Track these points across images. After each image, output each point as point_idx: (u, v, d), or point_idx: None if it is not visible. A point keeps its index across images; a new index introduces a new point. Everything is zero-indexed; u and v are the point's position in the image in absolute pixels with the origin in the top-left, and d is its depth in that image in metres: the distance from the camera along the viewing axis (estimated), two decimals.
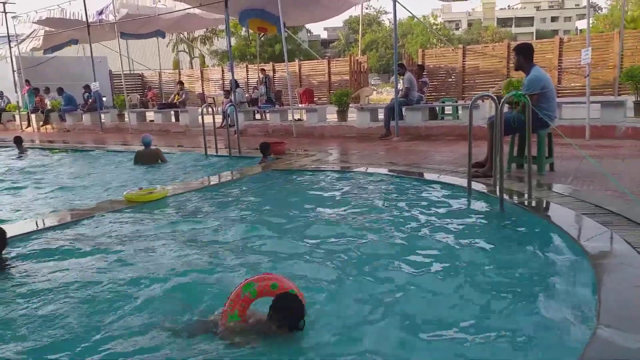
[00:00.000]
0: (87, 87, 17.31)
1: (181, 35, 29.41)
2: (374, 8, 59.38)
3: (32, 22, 17.30)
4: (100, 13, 15.87)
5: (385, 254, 3.61)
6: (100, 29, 15.81)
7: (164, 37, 19.72)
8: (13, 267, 3.62)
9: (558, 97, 14.34)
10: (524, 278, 3.18)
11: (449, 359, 2.35)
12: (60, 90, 17.96)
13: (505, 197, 4.63)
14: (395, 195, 5.47)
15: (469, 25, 74.53)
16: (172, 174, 7.83)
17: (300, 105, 14.83)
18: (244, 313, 2.47)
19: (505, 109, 5.77)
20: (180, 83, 17.83)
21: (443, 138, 9.69)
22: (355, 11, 22.59)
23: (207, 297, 3.01)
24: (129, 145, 11.61)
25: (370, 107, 12.13)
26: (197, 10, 14.71)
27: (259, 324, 2.45)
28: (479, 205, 4.81)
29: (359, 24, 24.40)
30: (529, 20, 78.37)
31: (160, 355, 2.39)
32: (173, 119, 15.75)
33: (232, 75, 13.37)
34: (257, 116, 14.49)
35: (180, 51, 38.23)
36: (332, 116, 12.48)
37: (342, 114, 11.74)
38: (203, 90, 22.58)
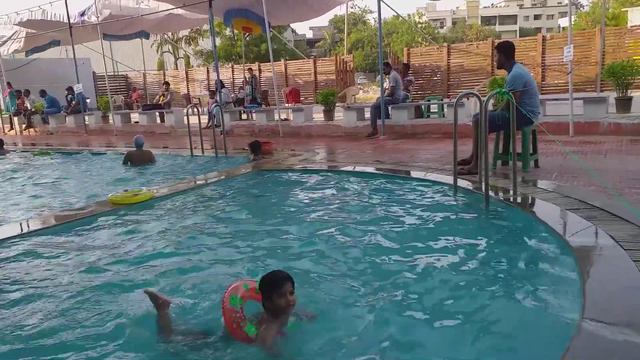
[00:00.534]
0: (70, 89, 17.11)
1: (165, 36, 29.19)
2: (359, 7, 59.50)
3: (13, 24, 17.05)
4: (83, 14, 15.68)
5: (373, 252, 3.62)
6: (82, 30, 15.62)
7: (147, 37, 19.54)
8: None
9: (542, 94, 14.56)
10: (509, 273, 3.21)
11: (433, 355, 2.36)
12: (42, 93, 17.74)
13: (491, 193, 4.67)
14: (383, 193, 5.48)
15: (454, 23, 75.05)
16: (158, 175, 7.77)
17: (286, 104, 14.81)
18: (246, 323, 2.43)
19: (490, 106, 5.83)
20: (166, 84, 17.71)
21: (429, 136, 9.74)
22: (340, 10, 22.57)
23: (195, 299, 2.99)
24: (115, 147, 11.50)
25: (357, 106, 12.16)
26: (180, 11, 14.61)
27: (268, 321, 2.44)
28: (465, 202, 4.84)
29: (344, 23, 24.43)
30: (513, 19, 79.14)
31: None
32: (158, 120, 15.64)
33: (218, 75, 13.33)
34: (244, 116, 14.44)
35: (165, 52, 37.94)
36: (318, 116, 12.48)
37: (329, 113, 11.75)
38: (188, 91, 22.45)
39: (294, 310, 2.52)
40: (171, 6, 14.23)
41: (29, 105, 17.92)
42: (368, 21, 61.75)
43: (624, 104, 8.56)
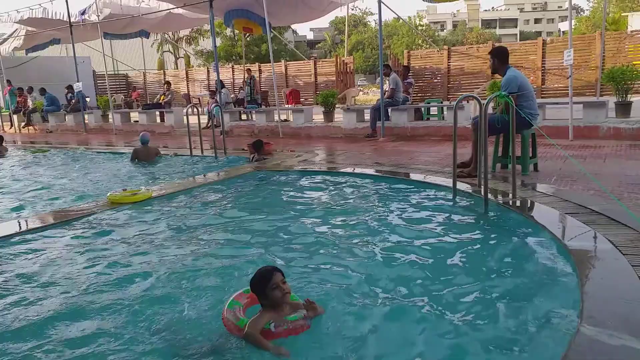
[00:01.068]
0: (70, 88, 17.11)
1: (166, 36, 29.17)
2: (359, 9, 59.51)
3: (14, 22, 17.05)
4: (83, 13, 15.67)
5: (372, 254, 3.62)
6: (83, 29, 15.62)
7: (147, 37, 19.56)
8: None
9: (542, 97, 14.60)
10: (508, 277, 3.21)
11: (430, 357, 2.35)
12: (42, 91, 17.72)
13: (490, 196, 4.67)
14: (382, 195, 5.48)
15: (454, 26, 75.18)
16: (157, 174, 7.76)
17: (286, 105, 14.81)
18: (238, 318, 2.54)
19: (490, 109, 5.83)
20: (167, 83, 17.71)
21: (428, 138, 9.74)
22: (341, 12, 22.61)
23: (192, 299, 2.99)
24: (114, 146, 11.50)
25: (356, 107, 12.16)
26: (181, 10, 14.62)
27: (262, 312, 2.49)
28: (464, 205, 4.84)
29: (345, 25, 24.44)
30: (513, 22, 79.27)
31: None
32: (158, 120, 15.63)
33: (218, 75, 13.33)
34: (243, 117, 14.43)
35: (165, 51, 37.92)
36: (318, 117, 12.48)
37: (329, 114, 11.75)
38: (188, 91, 22.46)
39: (301, 304, 2.59)
40: (172, 5, 14.24)
41: (30, 103, 17.91)
42: (369, 23, 61.81)
43: (624, 108, 8.57)
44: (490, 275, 3.22)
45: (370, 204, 5.08)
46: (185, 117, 9.22)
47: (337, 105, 12.26)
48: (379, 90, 10.91)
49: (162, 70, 27.41)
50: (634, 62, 13.29)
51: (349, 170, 6.84)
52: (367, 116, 10.92)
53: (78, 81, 15.57)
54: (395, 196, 5.38)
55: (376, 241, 3.91)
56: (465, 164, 5.98)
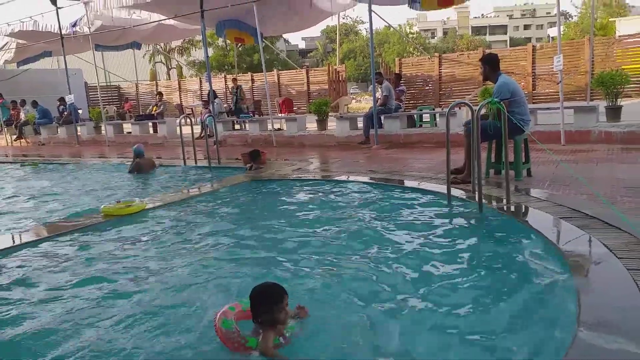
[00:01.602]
0: (62, 100, 17.06)
1: (157, 47, 29.20)
2: (350, 18, 59.85)
3: (4, 35, 16.99)
4: (74, 25, 15.65)
5: (368, 261, 3.61)
6: (74, 41, 15.60)
7: (139, 48, 19.57)
8: None
9: (533, 103, 14.71)
10: (503, 282, 3.20)
11: None
12: (34, 103, 17.66)
13: (484, 202, 4.68)
14: (377, 203, 5.48)
15: (445, 33, 75.74)
16: (150, 185, 7.73)
17: (279, 114, 14.83)
18: (246, 339, 2.43)
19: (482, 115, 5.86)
20: (160, 94, 17.70)
21: (421, 145, 9.78)
22: (332, 21, 22.74)
23: (192, 310, 2.97)
24: (106, 158, 11.45)
25: (350, 115, 12.20)
26: (173, 21, 14.64)
27: (265, 331, 2.42)
28: (459, 211, 4.85)
29: (336, 34, 24.58)
30: (503, 28, 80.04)
31: None
32: (151, 131, 15.59)
33: (210, 85, 13.33)
34: (237, 126, 14.43)
35: (157, 62, 37.95)
36: (311, 125, 12.50)
37: (322, 123, 11.77)
38: (181, 101, 22.45)
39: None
40: (163, 17, 14.26)
41: (23, 116, 17.82)
42: (360, 31, 62.15)
43: (614, 112, 8.64)
44: (485, 280, 3.22)
45: (365, 211, 5.08)
46: (178, 128, 9.21)
47: (330, 114, 12.29)
48: (372, 98, 10.95)
49: (154, 81, 27.42)
50: (623, 67, 13.44)
51: (343, 178, 6.85)
52: (360, 124, 10.95)
53: (70, 93, 15.52)
54: (391, 203, 5.39)
55: (372, 248, 3.91)
56: (458, 170, 6.00)
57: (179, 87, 23.85)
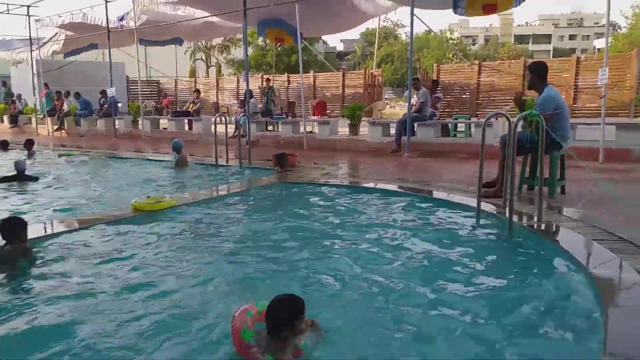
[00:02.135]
0: (103, 93, 17.54)
1: (199, 43, 29.72)
2: (391, 21, 59.45)
3: (55, 27, 17.61)
4: (122, 19, 16.10)
5: (392, 274, 3.56)
6: (120, 35, 16.02)
7: (181, 44, 19.95)
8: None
9: (573, 117, 14.27)
10: (529, 303, 3.11)
11: None
12: (77, 95, 18.21)
13: (515, 218, 4.57)
14: (403, 212, 5.42)
15: (486, 40, 74.45)
16: (181, 182, 7.86)
17: (312, 117, 14.87)
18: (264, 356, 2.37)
19: (519, 128, 5.72)
20: (197, 91, 17.99)
21: (454, 156, 9.63)
22: (372, 24, 22.67)
23: (213, 310, 3.00)
24: (141, 152, 11.71)
25: (383, 121, 12.12)
26: (215, 19, 14.87)
27: (282, 346, 2.36)
28: (488, 226, 4.75)
29: (375, 37, 24.51)
30: (547, 38, 78.07)
31: None
32: (186, 127, 15.87)
33: (247, 85, 13.46)
34: (270, 127, 14.54)
35: (197, 59, 38.61)
36: (343, 129, 12.48)
37: (354, 127, 11.73)
38: (217, 99, 22.77)
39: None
40: (207, 14, 14.49)
41: (66, 107, 18.42)
42: (399, 35, 61.72)
43: None
44: (510, 300, 3.14)
45: (390, 221, 5.03)
46: (213, 126, 9.33)
47: (363, 119, 12.24)
48: (406, 104, 10.84)
49: (193, 78, 27.92)
50: None
51: (370, 185, 6.81)
52: (392, 130, 10.86)
53: (112, 86, 15.95)
54: (417, 214, 5.32)
55: (395, 259, 3.86)
56: (490, 183, 5.87)
57: (217, 85, 24.19)
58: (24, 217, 4.25)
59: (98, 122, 17.41)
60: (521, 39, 77.28)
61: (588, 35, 74.78)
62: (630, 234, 3.98)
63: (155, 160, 10.09)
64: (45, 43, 18.93)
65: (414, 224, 4.90)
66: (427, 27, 34.54)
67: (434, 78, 16.64)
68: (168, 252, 4.16)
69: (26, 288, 3.40)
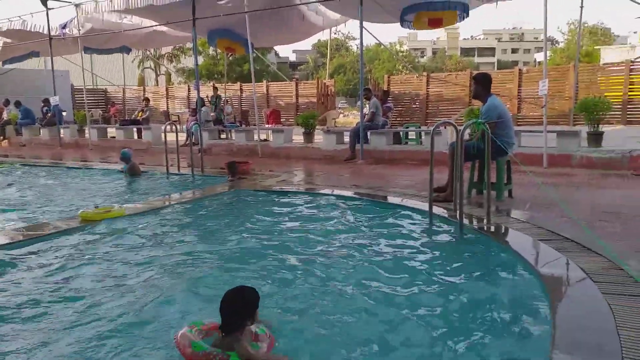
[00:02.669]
0: (46, 101, 16.82)
1: (147, 52, 29.08)
2: (342, 33, 60.20)
3: None
4: (64, 27, 15.52)
5: (344, 278, 3.58)
6: (63, 43, 15.45)
7: (129, 52, 19.43)
8: None
9: (517, 125, 14.89)
10: (480, 303, 3.20)
11: None
12: (17, 103, 17.39)
13: (465, 221, 4.70)
14: (359, 217, 5.47)
15: (434, 53, 76.70)
16: (131, 191, 7.63)
17: (266, 125, 14.81)
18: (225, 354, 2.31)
19: (467, 136, 5.91)
20: (146, 100, 17.57)
21: (406, 162, 9.82)
22: (323, 35, 22.87)
23: (162, 320, 2.90)
24: (87, 162, 11.30)
25: (337, 130, 12.21)
26: (164, 28, 14.59)
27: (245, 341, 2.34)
28: (440, 230, 4.86)
29: (327, 48, 24.84)
30: (491, 51, 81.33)
31: None
32: (135, 136, 15.44)
33: (198, 94, 13.28)
34: (223, 135, 14.36)
35: (146, 68, 37.76)
36: (298, 138, 12.49)
37: (308, 135, 11.77)
38: (168, 108, 22.33)
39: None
40: (155, 23, 14.21)
41: (5, 116, 17.54)
42: (351, 47, 62.62)
43: (596, 138, 8.78)
44: (462, 300, 3.21)
45: (346, 226, 5.06)
46: (163, 134, 9.13)
47: (317, 127, 12.31)
48: (359, 113, 10.99)
49: (142, 87, 27.26)
50: (606, 94, 13.72)
51: (326, 191, 6.83)
52: (346, 138, 10.97)
53: (55, 95, 15.33)
54: (372, 218, 5.38)
55: (350, 262, 3.88)
56: (441, 188, 6.01)
57: (167, 94, 23.73)
58: None
59: (41, 131, 16.66)
60: (467, 51, 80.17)
61: (529, 49, 78.49)
62: (574, 234, 4.17)
63: (104, 170, 9.75)
64: None
65: (370, 228, 4.95)
66: (377, 39, 35.21)
67: (385, 88, 17.00)
68: (116, 262, 4.01)
69: None
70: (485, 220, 4.81)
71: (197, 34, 12.56)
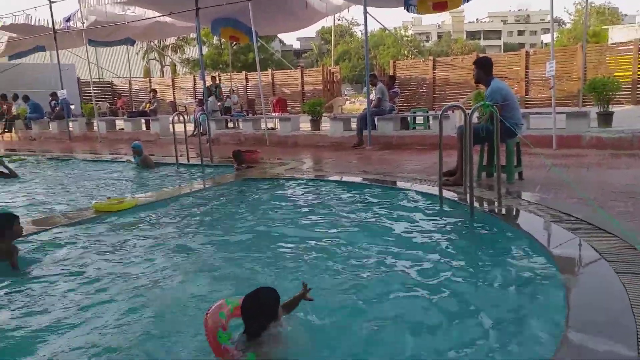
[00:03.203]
0: (54, 95, 16.92)
1: (152, 43, 29.05)
2: (346, 19, 59.83)
3: None
4: (68, 20, 15.56)
5: (358, 263, 3.61)
6: (67, 36, 15.49)
7: (133, 44, 19.45)
8: None
9: (525, 108, 14.81)
10: (492, 284, 3.22)
11: None
12: (25, 98, 17.49)
13: (476, 204, 4.70)
14: (369, 203, 5.49)
15: (439, 37, 75.99)
16: (142, 183, 7.69)
17: (273, 114, 14.81)
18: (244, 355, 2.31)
19: (475, 119, 5.89)
20: (153, 91, 17.61)
21: (414, 147, 9.80)
22: (327, 22, 22.75)
23: (184, 307, 2.95)
24: (97, 154, 11.38)
25: (343, 116, 12.20)
26: (168, 19, 14.58)
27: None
28: (450, 213, 4.87)
29: (331, 35, 24.65)
30: (497, 34, 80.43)
31: None
32: (144, 128, 15.51)
33: (204, 84, 13.29)
34: (230, 124, 14.40)
35: (151, 59, 37.75)
36: (305, 125, 12.49)
37: (316, 123, 11.77)
38: (174, 99, 22.37)
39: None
40: (157, 14, 14.19)
41: (14, 110, 17.64)
42: (355, 33, 62.21)
43: (605, 118, 8.72)
44: (475, 282, 3.23)
45: (357, 212, 5.08)
46: (171, 125, 9.17)
47: (324, 114, 12.30)
48: (366, 99, 10.97)
49: (147, 78, 27.28)
50: (615, 74, 13.57)
51: (335, 178, 6.85)
52: (353, 125, 10.96)
53: (62, 88, 15.41)
54: (382, 204, 5.39)
55: (363, 248, 3.91)
56: (451, 172, 6.01)
57: (173, 85, 23.74)
58: None
59: (50, 125, 16.77)
60: (472, 35, 79.35)
61: (535, 31, 77.60)
62: (585, 214, 4.16)
63: (116, 162, 9.83)
64: None
65: (381, 214, 4.96)
66: (381, 24, 34.99)
67: (391, 74, 16.90)
68: (131, 252, 4.07)
69: None
70: (496, 203, 4.82)
71: (200, 24, 12.53)
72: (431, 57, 19.03)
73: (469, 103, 11.23)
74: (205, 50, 36.94)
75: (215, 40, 38.01)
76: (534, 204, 4.74)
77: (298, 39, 78.53)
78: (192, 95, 21.98)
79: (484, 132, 5.59)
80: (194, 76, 24.16)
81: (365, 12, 10.26)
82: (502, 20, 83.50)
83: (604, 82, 8.71)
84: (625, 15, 49.20)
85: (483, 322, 2.69)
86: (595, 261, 3.20)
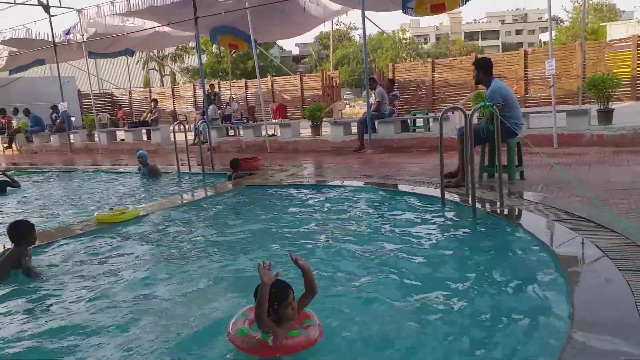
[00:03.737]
0: (54, 108, 16.97)
1: (151, 53, 29.17)
2: (344, 24, 59.88)
3: None
4: (68, 33, 15.62)
5: (362, 266, 3.60)
6: (67, 49, 15.56)
7: (132, 55, 19.53)
8: None
9: (525, 107, 14.81)
10: (497, 285, 3.21)
11: None
12: (26, 111, 17.55)
13: (478, 205, 4.70)
14: (371, 207, 5.48)
15: (437, 39, 76.06)
16: (144, 192, 7.71)
17: (273, 120, 14.84)
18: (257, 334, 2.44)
19: (475, 120, 5.89)
20: (154, 101, 17.67)
21: (415, 150, 9.81)
22: (325, 27, 22.82)
23: (192, 316, 2.95)
24: (98, 165, 11.41)
25: (344, 121, 12.22)
26: (166, 28, 14.64)
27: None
28: (453, 215, 4.87)
29: (330, 40, 24.72)
30: (495, 34, 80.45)
31: None
32: (145, 138, 15.54)
33: (204, 92, 13.33)
34: (231, 132, 14.43)
35: (151, 69, 37.88)
36: (305, 131, 12.51)
37: (316, 128, 11.79)
38: (174, 108, 22.44)
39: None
40: (157, 24, 14.26)
41: (15, 124, 17.71)
42: (353, 37, 62.29)
43: (606, 116, 8.71)
44: (480, 282, 3.23)
45: (359, 216, 5.08)
46: (172, 135, 9.19)
47: (324, 119, 12.32)
48: (365, 103, 10.98)
49: (147, 88, 27.39)
50: (614, 71, 13.57)
51: (337, 182, 6.85)
52: (354, 129, 10.98)
53: (63, 101, 15.46)
54: (385, 207, 5.39)
55: (366, 251, 3.91)
56: (452, 174, 6.01)
57: (173, 94, 23.83)
58: None
59: (51, 138, 16.82)
60: (471, 36, 79.38)
61: (533, 30, 77.64)
62: (588, 213, 4.16)
63: (120, 172, 9.85)
64: None
65: (384, 218, 4.96)
66: (379, 28, 35.06)
67: (390, 77, 16.93)
68: (134, 263, 4.07)
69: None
70: (498, 203, 4.81)
71: (199, 32, 12.58)
72: (430, 59, 19.07)
73: (469, 104, 11.23)
74: (204, 58, 37.06)
75: (214, 48, 38.12)
76: (536, 204, 4.73)
77: (297, 44, 78.78)
78: (192, 104, 22.04)
79: (485, 132, 5.59)
80: (194, 85, 24.24)
81: (364, 16, 10.29)
82: (500, 20, 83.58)
83: (604, 79, 8.71)
84: (623, 11, 49.24)
85: (488, 323, 2.69)
86: (599, 259, 3.19)
